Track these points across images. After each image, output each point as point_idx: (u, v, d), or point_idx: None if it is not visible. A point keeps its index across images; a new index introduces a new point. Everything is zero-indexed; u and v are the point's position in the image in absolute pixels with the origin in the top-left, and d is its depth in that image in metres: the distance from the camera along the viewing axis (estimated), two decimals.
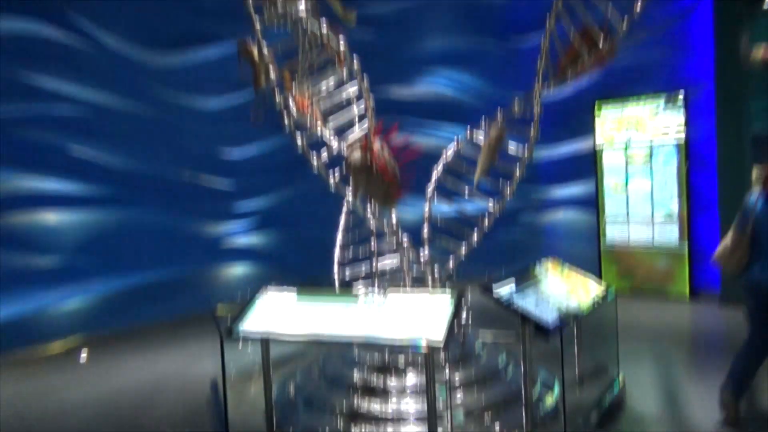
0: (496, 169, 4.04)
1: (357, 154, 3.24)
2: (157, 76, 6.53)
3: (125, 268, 6.44)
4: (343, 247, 4.26)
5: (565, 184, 7.96)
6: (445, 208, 4.56)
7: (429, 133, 7.71)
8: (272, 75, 3.32)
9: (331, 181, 3.25)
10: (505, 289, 3.04)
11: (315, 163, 3.21)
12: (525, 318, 2.81)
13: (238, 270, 7.47)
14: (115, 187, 6.31)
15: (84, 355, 5.58)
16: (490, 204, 4.08)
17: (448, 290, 2.96)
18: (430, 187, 4.03)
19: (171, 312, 6.55)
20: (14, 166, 5.64)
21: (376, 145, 3.28)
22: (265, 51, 3.33)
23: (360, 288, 3.42)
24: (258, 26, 3.31)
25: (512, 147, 4.03)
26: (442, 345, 2.56)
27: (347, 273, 4.16)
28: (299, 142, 3.26)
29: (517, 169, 4.02)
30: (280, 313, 3.10)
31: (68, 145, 5.97)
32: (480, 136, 4.11)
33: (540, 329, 2.76)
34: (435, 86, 7.98)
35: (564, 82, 4.05)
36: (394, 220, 3.85)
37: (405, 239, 3.49)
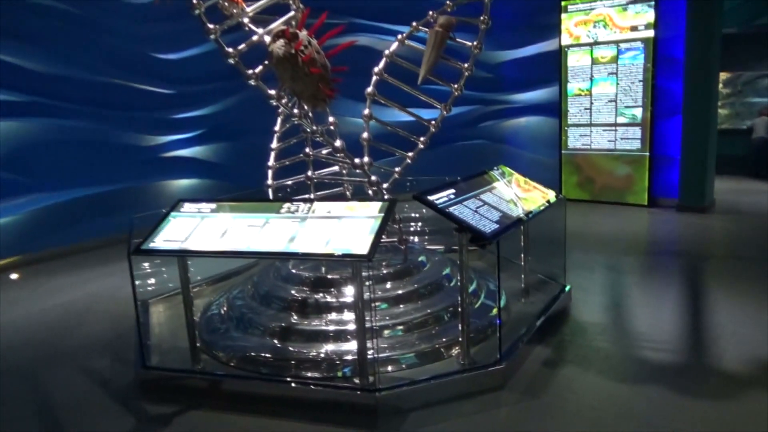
0: (445, 66, 3.70)
1: (279, 44, 2.83)
2: None
3: (54, 184, 5.95)
4: (278, 154, 3.91)
5: (529, 89, 7.62)
6: (389, 113, 4.22)
7: (380, 35, 7.17)
8: None
9: (249, 72, 2.83)
10: (443, 197, 2.78)
11: (229, 50, 2.76)
12: (461, 226, 2.57)
13: (182, 184, 7.05)
14: (36, 94, 5.69)
15: (13, 276, 5.26)
16: (438, 105, 3.75)
17: (379, 200, 2.69)
18: (370, 88, 3.64)
19: (107, 230, 6.17)
20: None
21: (302, 34, 2.88)
22: None
23: (287, 199, 3.10)
24: None
25: (460, 40, 3.64)
26: (366, 257, 2.32)
27: (282, 182, 3.84)
28: (210, 26, 2.79)
29: (467, 63, 3.67)
30: (197, 228, 2.81)
31: None
32: (425, 30, 3.71)
33: (476, 238, 2.52)
34: None
35: None
36: (331, 119, 3.50)
37: (339, 143, 3.14)
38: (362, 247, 2.37)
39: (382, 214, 2.55)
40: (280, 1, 3.28)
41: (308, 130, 3.17)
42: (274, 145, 3.92)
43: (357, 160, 3.25)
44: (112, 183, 6.35)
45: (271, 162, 3.89)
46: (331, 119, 3.55)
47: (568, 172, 7.11)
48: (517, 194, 3.26)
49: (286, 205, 2.80)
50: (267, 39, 2.93)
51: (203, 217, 2.89)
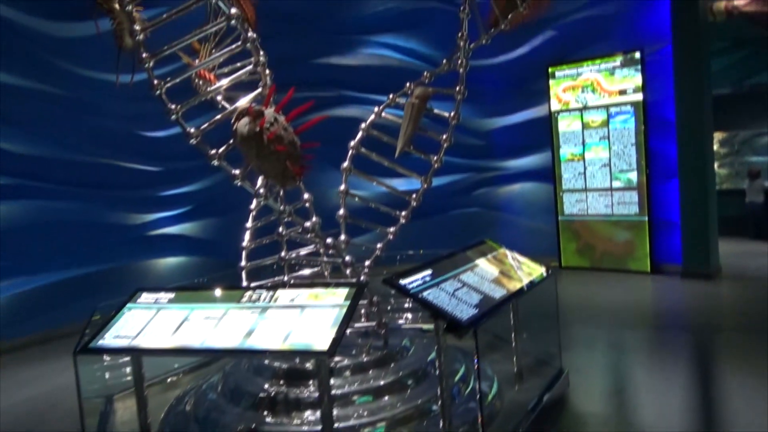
0: (423, 137, 3.59)
1: (243, 122, 2.71)
2: (63, 50, 5.78)
3: (36, 267, 5.79)
4: (254, 233, 3.72)
5: (521, 155, 7.53)
6: (370, 185, 4.07)
7: (370, 106, 7.17)
8: (138, 32, 2.71)
9: (212, 152, 2.70)
10: (418, 280, 2.56)
11: (191, 131, 2.65)
12: (436, 313, 2.34)
13: (169, 262, 6.88)
14: (21, 176, 5.63)
15: None
16: (418, 178, 3.60)
17: (347, 286, 2.47)
18: (346, 163, 3.51)
19: (89, 314, 5.93)
20: None
21: (268, 111, 2.75)
22: (129, 6, 2.72)
23: (248, 286, 2.89)
24: None
25: (438, 111, 3.54)
26: (327, 354, 2.08)
27: (257, 263, 3.63)
28: (171, 106, 2.69)
29: (445, 135, 3.53)
30: (151, 321, 2.58)
31: None
32: (403, 101, 3.62)
33: (452, 326, 2.28)
34: (377, 54, 7.43)
35: (498, 31, 3.56)
36: (306, 196, 3.35)
37: (309, 223, 2.96)
38: (323, 341, 2.13)
39: (348, 302, 2.32)
40: (252, 77, 3.21)
41: (277, 209, 2.99)
42: (249, 223, 3.74)
43: (329, 240, 3.06)
44: (96, 263, 6.18)
45: (245, 242, 3.70)
46: (306, 196, 3.40)
47: (566, 239, 6.89)
48: (502, 271, 3.03)
49: (248, 293, 2.58)
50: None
51: (159, 308, 2.67)
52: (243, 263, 3.65)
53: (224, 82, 2.99)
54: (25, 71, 5.58)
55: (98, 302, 5.96)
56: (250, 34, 2.74)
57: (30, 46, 5.63)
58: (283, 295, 2.50)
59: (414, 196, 3.59)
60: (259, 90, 3.00)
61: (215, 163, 2.78)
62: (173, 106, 2.75)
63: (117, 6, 2.82)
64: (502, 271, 3.03)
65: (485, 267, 3.02)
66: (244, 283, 3.53)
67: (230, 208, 6.97)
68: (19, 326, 5.57)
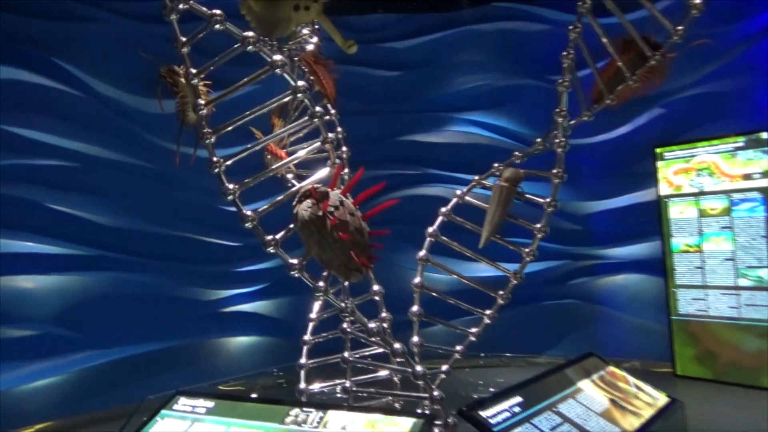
0: (513, 224, 3.13)
1: (305, 205, 2.39)
2: (150, 124, 5.94)
3: (109, 341, 5.70)
4: (317, 326, 3.34)
5: (624, 243, 6.75)
6: (447, 279, 3.60)
7: (456, 185, 6.80)
8: (202, 106, 2.51)
9: (269, 238, 2.39)
10: (503, 411, 2.00)
11: (248, 213, 2.38)
12: None
13: (241, 342, 6.62)
14: (101, 247, 5.67)
15: None
16: (507, 272, 3.12)
17: (413, 414, 1.97)
18: (422, 252, 3.10)
19: (155, 391, 5.72)
20: None
21: (333, 193, 2.42)
22: (195, 80, 2.54)
23: (298, 400, 2.45)
24: (186, 49, 2.52)
25: (531, 195, 3.07)
26: None
27: (316, 362, 3.22)
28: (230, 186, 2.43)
29: (540, 224, 3.05)
30: None
31: (49, 199, 5.41)
32: (490, 184, 3.20)
33: None
34: (464, 132, 7.12)
35: (603, 107, 3.08)
36: (375, 287, 2.97)
37: (374, 325, 2.52)
38: None
39: None
40: (319, 155, 2.93)
41: (338, 306, 2.58)
42: (314, 314, 3.37)
43: (398, 346, 2.58)
44: (169, 339, 6.03)
45: (307, 336, 3.31)
46: (375, 288, 3.01)
47: (682, 343, 5.93)
48: (614, 400, 2.40)
49: (294, 411, 2.13)
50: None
51: (194, 419, 2.28)
52: (303, 360, 3.25)
53: (288, 159, 2.71)
54: (116, 144, 5.75)
55: (167, 381, 5.86)
56: (317, 108, 2.45)
57: (121, 120, 5.83)
58: (335, 419, 2.04)
59: (502, 293, 3.12)
60: (326, 170, 2.69)
61: (271, 250, 2.45)
62: (231, 186, 2.48)
63: (182, 80, 2.64)
64: (615, 400, 2.40)
65: (592, 393, 2.41)
66: (301, 385, 3.11)
67: (307, 286, 6.71)
68: (83, 403, 5.42)
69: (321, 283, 2.47)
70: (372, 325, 2.50)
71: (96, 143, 5.66)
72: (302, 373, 3.14)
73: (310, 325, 3.34)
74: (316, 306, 3.37)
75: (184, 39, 2.50)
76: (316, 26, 3.81)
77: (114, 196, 5.76)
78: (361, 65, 6.77)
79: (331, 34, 3.68)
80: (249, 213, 2.46)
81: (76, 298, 5.55)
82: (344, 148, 3.76)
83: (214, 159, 2.51)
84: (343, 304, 2.49)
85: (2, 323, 5.15)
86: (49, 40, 5.41)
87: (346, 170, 3.74)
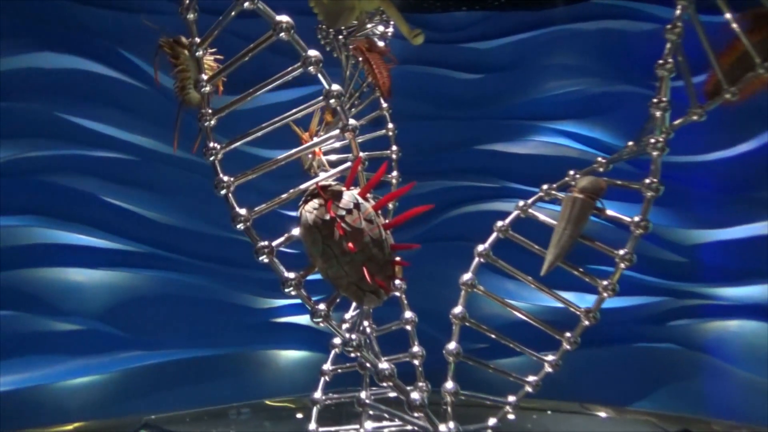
0: (587, 248, 2.47)
1: (311, 206, 1.94)
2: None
3: (156, 342, 5.58)
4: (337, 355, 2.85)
5: (740, 283, 5.71)
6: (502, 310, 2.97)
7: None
8: (204, 83, 2.11)
9: (262, 244, 1.97)
10: None
11: (239, 212, 1.99)
12: None
13: (290, 356, 6.26)
14: (153, 245, 5.57)
15: None
16: (578, 310, 2.46)
17: None
18: (467, 274, 2.52)
19: (194, 401, 5.53)
20: (40, 215, 5.12)
21: (348, 193, 1.94)
22: (200, 52, 2.15)
23: None
24: (191, 15, 2.15)
25: (613, 213, 2.40)
26: None
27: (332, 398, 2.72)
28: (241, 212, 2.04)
29: (624, 249, 2.38)
30: None
31: (104, 192, 5.38)
32: (562, 195, 2.57)
33: None
34: (551, 143, 6.43)
35: (719, 102, 2.35)
36: (407, 316, 2.49)
37: (386, 366, 1.95)
38: None
39: None
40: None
41: (342, 338, 2.06)
42: (337, 339, 2.88)
43: (416, 396, 1.98)
44: (216, 347, 5.82)
45: (327, 365, 2.83)
46: (407, 315, 2.50)
47: None
48: None
49: None
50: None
51: None
52: (317, 394, 2.75)
53: (303, 147, 2.24)
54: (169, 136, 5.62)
55: (212, 391, 5.66)
56: (334, 87, 1.96)
57: (183, 115, 5.69)
58: None
59: (569, 335, 2.49)
60: (348, 164, 2.20)
61: (264, 259, 2.01)
62: (226, 179, 2.07)
63: (186, 51, 2.26)
64: None
65: None
66: (311, 426, 2.61)
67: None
68: (125, 404, 5.30)
69: (321, 306, 1.96)
70: (384, 365, 1.93)
71: (156, 137, 5.54)
72: (314, 410, 2.65)
73: (332, 352, 2.85)
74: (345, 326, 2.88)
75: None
76: (387, 21, 3.53)
77: (170, 193, 5.64)
78: (440, 66, 6.35)
79: (396, 23, 3.35)
80: (243, 212, 2.03)
81: (125, 295, 5.47)
82: (394, 147, 3.34)
83: (211, 145, 2.11)
84: (347, 335, 1.96)
85: (50, 315, 5.15)
86: (116, 31, 5.38)
87: (395, 174, 3.32)
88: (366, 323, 2.53)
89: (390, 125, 3.37)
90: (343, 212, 1.90)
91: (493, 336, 2.59)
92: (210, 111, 2.15)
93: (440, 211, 6.20)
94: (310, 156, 3.12)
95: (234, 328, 5.88)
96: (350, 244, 1.88)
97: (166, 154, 5.50)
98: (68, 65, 5.20)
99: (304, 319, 6.23)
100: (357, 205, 1.94)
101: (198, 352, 5.69)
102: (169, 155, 5.56)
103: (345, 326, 2.76)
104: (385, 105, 3.33)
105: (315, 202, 1.96)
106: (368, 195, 1.99)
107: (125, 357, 5.39)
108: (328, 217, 1.89)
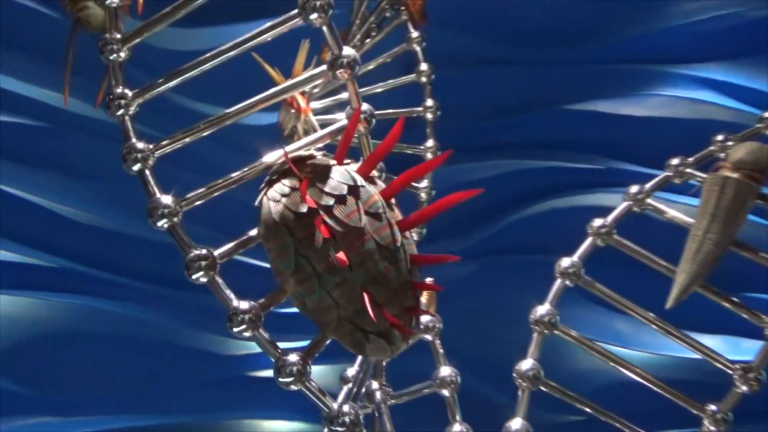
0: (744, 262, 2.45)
1: (278, 190, 1.85)
2: None
3: (74, 404, 5.67)
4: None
5: None
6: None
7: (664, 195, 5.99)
8: None
9: (197, 253, 1.98)
10: None
11: (161, 200, 1.98)
12: None
13: (282, 429, 6.33)
14: (68, 256, 5.69)
15: None
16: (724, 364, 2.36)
17: None
18: (542, 308, 2.47)
19: None
20: None
21: (338, 171, 1.85)
22: None
23: None
24: None
25: None
26: None
27: None
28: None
29: None
30: None
31: None
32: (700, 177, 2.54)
33: None
34: (684, 99, 6.31)
35: None
36: (447, 372, 2.45)
37: None
38: None
39: None
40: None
41: (323, 408, 2.00)
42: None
43: None
44: (162, 413, 5.86)
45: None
46: (443, 372, 2.56)
47: None
48: None
49: None
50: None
51: None
52: None
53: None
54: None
55: None
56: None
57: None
58: None
59: (714, 408, 2.57)
60: (342, 122, 2.12)
61: (199, 278, 2.00)
62: (141, 145, 2.08)
63: None
64: None
65: None
66: None
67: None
68: None
69: (292, 357, 1.89)
70: None
71: (74, 92, 5.58)
72: None
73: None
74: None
75: None
76: None
77: (95, 177, 5.71)
78: None
79: None
80: (166, 200, 2.01)
81: (30, 332, 5.55)
82: (429, 102, 3.38)
83: (118, 91, 2.11)
84: (335, 405, 1.86)
85: None
86: None
87: (430, 144, 3.36)
88: (375, 384, 2.43)
89: (423, 66, 3.40)
90: (330, 201, 1.81)
91: (587, 409, 2.53)
92: (119, 37, 2.10)
93: (505, 206, 6.13)
94: (292, 113, 3.13)
95: (192, 385, 5.95)
96: (340, 255, 1.77)
97: (85, 118, 5.52)
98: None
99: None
100: (354, 190, 1.83)
101: (138, 421, 5.78)
102: (92, 119, 5.62)
103: (346, 389, 2.66)
104: (415, 35, 3.43)
105: (284, 185, 1.87)
106: (374, 173, 1.92)
107: (25, 425, 5.46)
108: (304, 208, 1.77)
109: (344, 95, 3.32)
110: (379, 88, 3.48)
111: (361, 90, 3.56)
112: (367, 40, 3.48)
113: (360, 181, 1.82)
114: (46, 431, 5.52)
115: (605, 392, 2.41)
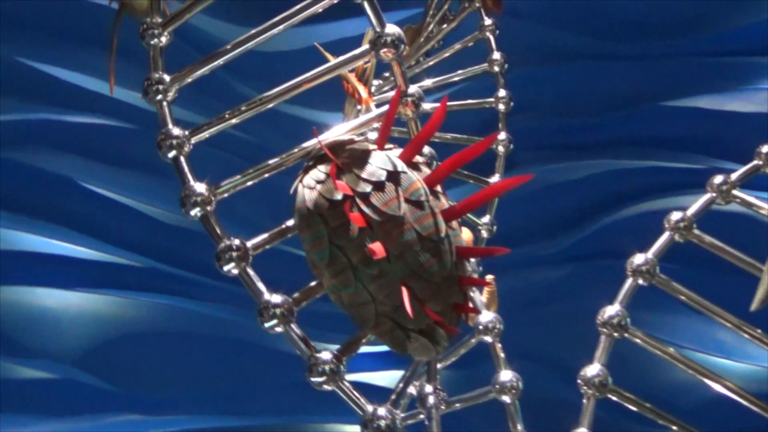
0: None
1: (311, 180, 1.78)
2: None
3: (156, 402, 5.77)
4: None
5: None
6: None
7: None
8: None
9: (226, 243, 1.91)
10: None
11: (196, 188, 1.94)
12: None
13: None
14: (154, 256, 5.81)
15: None
16: None
17: None
18: (611, 308, 2.31)
19: None
20: None
21: (378, 156, 1.75)
22: None
23: None
24: None
25: None
26: None
27: None
28: None
29: None
30: None
31: (87, 176, 5.66)
32: None
33: None
34: None
35: None
36: (503, 376, 2.24)
37: None
38: None
39: None
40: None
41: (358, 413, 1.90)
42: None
43: None
44: (242, 415, 5.95)
45: None
46: (503, 377, 2.33)
47: None
48: None
49: None
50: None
51: None
52: None
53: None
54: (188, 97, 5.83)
55: None
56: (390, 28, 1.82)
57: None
58: None
59: None
60: (383, 109, 2.02)
61: (231, 270, 1.93)
62: (177, 132, 2.06)
63: None
64: None
65: None
66: None
67: (480, 349, 6.16)
68: None
69: (324, 355, 1.79)
70: None
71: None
72: None
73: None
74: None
75: None
76: None
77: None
78: None
79: None
80: (199, 188, 1.91)
81: (114, 330, 5.67)
82: (501, 93, 3.26)
83: (157, 76, 2.08)
84: (370, 408, 1.76)
85: (7, 357, 5.39)
86: None
87: (502, 136, 3.26)
88: (428, 387, 2.30)
89: (496, 55, 3.25)
90: (368, 187, 1.69)
91: (660, 421, 2.33)
92: (159, 21, 2.09)
93: (598, 208, 5.99)
94: (356, 106, 3.08)
95: (273, 387, 5.98)
96: (376, 245, 1.65)
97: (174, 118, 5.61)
98: None
99: (379, 378, 6.17)
100: (394, 176, 1.71)
101: (221, 422, 5.85)
102: (181, 121, 5.70)
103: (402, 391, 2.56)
104: (488, 23, 3.31)
105: (320, 171, 1.78)
106: (421, 159, 1.81)
107: (112, 422, 5.56)
108: (339, 195, 1.68)
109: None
110: (456, 77, 3.42)
111: (438, 79, 3.51)
112: (444, 26, 3.44)
113: (401, 166, 1.71)
114: (131, 430, 5.62)
115: (680, 403, 2.19)
